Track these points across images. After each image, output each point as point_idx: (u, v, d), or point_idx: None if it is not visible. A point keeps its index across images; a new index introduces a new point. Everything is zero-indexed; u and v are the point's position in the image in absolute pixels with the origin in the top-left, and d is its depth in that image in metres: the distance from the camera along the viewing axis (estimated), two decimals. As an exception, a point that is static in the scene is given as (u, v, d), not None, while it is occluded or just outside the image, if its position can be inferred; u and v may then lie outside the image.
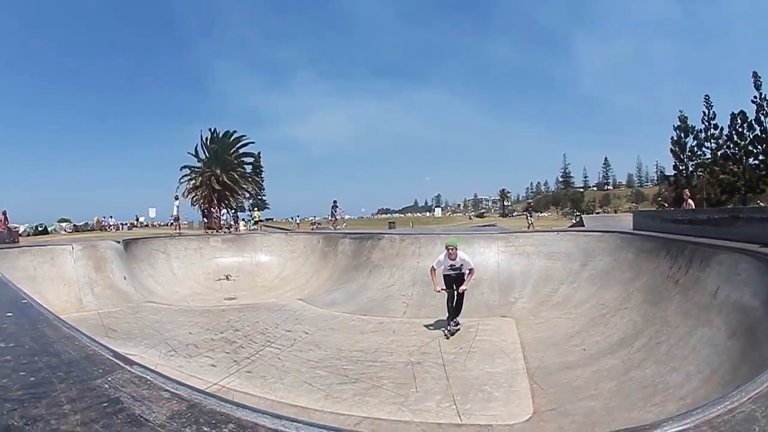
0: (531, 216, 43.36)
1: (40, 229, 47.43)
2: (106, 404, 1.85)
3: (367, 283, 13.74)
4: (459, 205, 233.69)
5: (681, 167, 61.89)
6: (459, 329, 9.34)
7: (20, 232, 28.14)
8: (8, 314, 3.74)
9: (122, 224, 60.23)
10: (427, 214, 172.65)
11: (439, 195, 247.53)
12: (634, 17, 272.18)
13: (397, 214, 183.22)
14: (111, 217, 59.24)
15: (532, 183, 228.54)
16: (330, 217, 33.32)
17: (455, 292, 9.61)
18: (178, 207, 28.05)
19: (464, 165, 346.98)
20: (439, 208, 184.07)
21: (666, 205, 34.13)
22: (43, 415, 1.71)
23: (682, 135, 61.73)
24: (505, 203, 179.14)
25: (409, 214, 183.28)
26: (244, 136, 53.03)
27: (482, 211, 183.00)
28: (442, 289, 9.63)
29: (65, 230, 48.68)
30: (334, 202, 31.39)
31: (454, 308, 9.59)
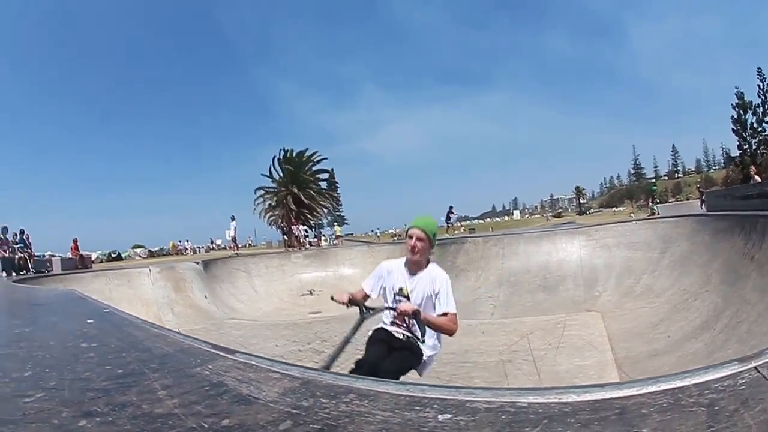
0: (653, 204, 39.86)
1: (113, 255, 48.43)
2: (208, 388, 1.84)
3: (453, 287, 13.69)
4: (536, 206, 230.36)
5: (745, 146, 58.46)
6: None
7: (93, 259, 28.88)
8: (89, 321, 3.85)
9: (199, 247, 61.93)
10: (506, 218, 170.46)
11: (515, 198, 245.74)
12: None
13: (476, 221, 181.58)
14: (187, 241, 60.99)
15: (605, 178, 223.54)
16: (445, 224, 32.97)
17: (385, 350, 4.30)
18: (235, 228, 28.81)
19: (537, 165, 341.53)
20: (517, 211, 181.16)
21: (703, 192, 32.51)
22: (133, 401, 1.72)
23: (741, 112, 58.24)
24: (581, 200, 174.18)
25: (488, 219, 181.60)
26: (317, 152, 53.76)
27: (559, 210, 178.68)
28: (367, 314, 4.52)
29: (140, 256, 49.59)
30: (450, 207, 31.09)
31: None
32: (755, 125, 57.64)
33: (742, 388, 1.48)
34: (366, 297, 4.57)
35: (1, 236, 18.32)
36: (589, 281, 11.76)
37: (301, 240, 35.27)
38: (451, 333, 4.35)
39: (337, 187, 79.96)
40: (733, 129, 59.40)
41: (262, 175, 52.24)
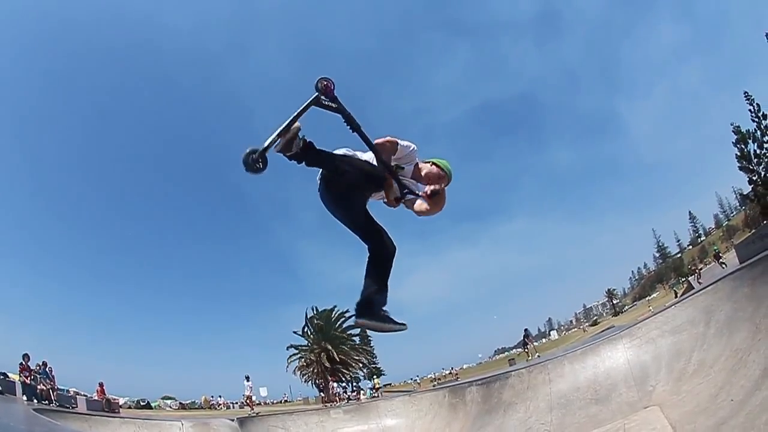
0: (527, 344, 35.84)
1: (142, 403, 47.22)
2: None
3: (503, 422, 13.25)
4: (571, 321, 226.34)
5: (755, 178, 57.39)
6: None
7: (120, 404, 28.76)
8: None
9: (233, 403, 59.86)
10: (544, 340, 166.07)
11: (549, 318, 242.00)
12: (655, 58, 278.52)
13: (514, 350, 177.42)
14: (220, 396, 59.34)
15: (632, 271, 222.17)
16: (524, 349, 33.40)
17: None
18: (250, 387, 28.74)
19: (565, 280, 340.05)
20: (554, 331, 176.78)
21: (720, 255, 31.83)
22: None
23: (743, 145, 57.96)
24: (614, 301, 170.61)
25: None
26: (347, 310, 54.86)
27: (595, 318, 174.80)
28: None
29: (170, 407, 48.55)
30: (526, 330, 31.47)
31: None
32: (757, 151, 56.83)
33: None
34: None
35: (23, 362, 18.19)
36: (641, 379, 11.00)
37: (340, 396, 34.94)
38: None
39: (370, 340, 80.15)
40: (739, 167, 58.41)
41: (293, 332, 53.34)
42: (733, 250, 20.80)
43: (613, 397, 11.12)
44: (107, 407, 20.82)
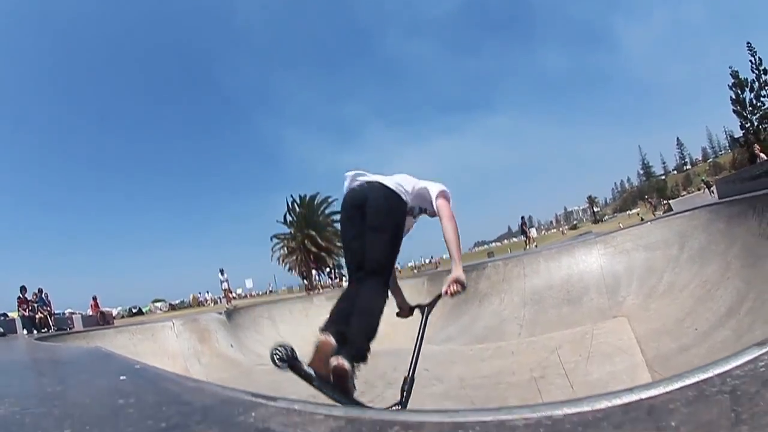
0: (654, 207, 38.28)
1: (134, 310, 48.85)
2: None
3: (479, 313, 13.84)
4: (551, 221, 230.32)
5: (747, 125, 58.10)
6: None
7: (114, 315, 29.51)
8: (122, 377, 3.75)
9: (219, 298, 61.37)
10: (522, 237, 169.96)
11: (530, 216, 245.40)
12: None
13: (493, 244, 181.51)
14: (207, 292, 60.88)
15: (615, 183, 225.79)
16: (524, 238, 31.66)
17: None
18: (226, 280, 27.60)
19: (548, 181, 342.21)
20: (534, 229, 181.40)
21: (709, 183, 32.05)
22: None
23: (739, 91, 58.17)
24: (595, 209, 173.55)
25: (506, 241, 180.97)
26: (330, 196, 54.89)
27: (574, 222, 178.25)
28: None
29: (161, 309, 49.88)
30: (522, 218, 30.15)
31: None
32: (754, 101, 57.35)
33: (762, 369, 1.53)
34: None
35: (21, 295, 18.56)
36: (612, 288, 11.70)
37: (322, 283, 35.19)
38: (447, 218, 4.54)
39: None
40: (733, 110, 59.34)
41: (277, 221, 53.17)
42: (714, 185, 21.17)
43: (585, 301, 11.83)
44: (102, 320, 21.14)
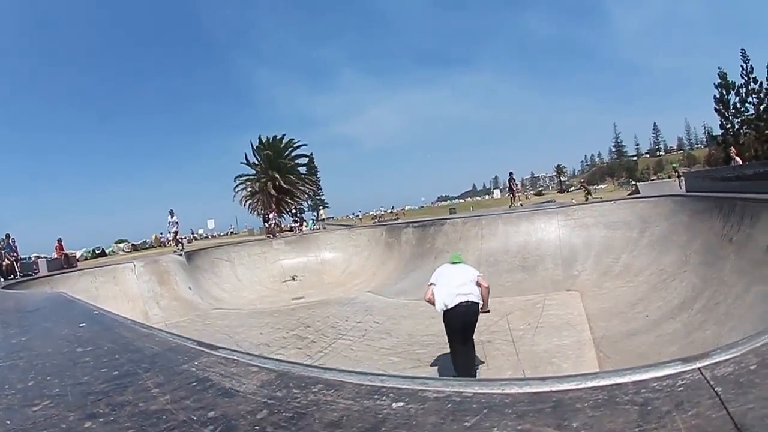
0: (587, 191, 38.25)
1: (97, 252, 48.07)
2: (195, 383, 2.03)
3: (433, 269, 13.48)
4: (517, 184, 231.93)
5: (727, 125, 59.19)
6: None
7: (77, 257, 28.48)
8: (81, 324, 3.98)
9: (182, 238, 60.12)
10: (487, 197, 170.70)
11: (496, 177, 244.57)
12: None
13: (456, 200, 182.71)
14: (169, 232, 60.00)
15: (586, 156, 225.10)
16: (510, 194, 30.83)
17: (464, 329, 6.32)
18: (176, 223, 24.29)
19: (518, 144, 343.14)
20: (498, 190, 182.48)
21: (679, 172, 32.42)
22: (130, 401, 1.89)
23: (724, 92, 58.78)
24: (562, 179, 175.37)
25: (469, 198, 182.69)
26: (294, 139, 53.51)
27: (540, 188, 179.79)
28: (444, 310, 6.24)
29: (123, 250, 48.49)
30: (510, 174, 29.46)
31: (462, 358, 6.35)
32: (738, 105, 58.30)
33: (680, 389, 1.47)
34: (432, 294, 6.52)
35: None
36: (568, 261, 11.81)
37: (282, 227, 34.79)
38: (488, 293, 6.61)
39: (317, 171, 79.79)
40: (715, 108, 59.71)
41: (241, 163, 52.03)
42: (683, 178, 21.33)
43: (540, 270, 11.95)
44: (66, 263, 20.41)
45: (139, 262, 15.21)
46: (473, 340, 6.50)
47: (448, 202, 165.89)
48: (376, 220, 46.91)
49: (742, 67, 58.61)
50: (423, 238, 15.98)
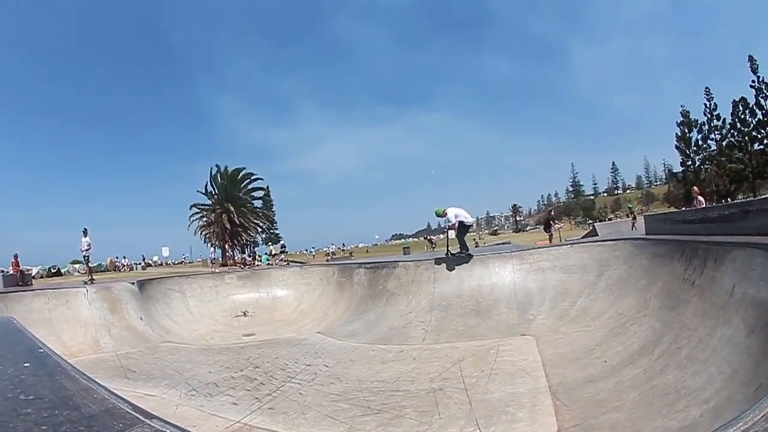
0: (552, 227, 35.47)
1: (53, 270, 47.77)
2: None
3: (385, 311, 13.63)
4: (471, 224, 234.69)
5: (688, 162, 61.64)
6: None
7: (33, 275, 28.02)
8: (26, 364, 3.71)
9: (136, 264, 60.55)
10: (441, 236, 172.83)
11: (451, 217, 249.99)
12: (625, 17, 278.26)
13: (411, 239, 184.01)
14: (124, 257, 59.35)
15: (542, 195, 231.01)
16: (546, 232, 27.83)
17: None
18: (88, 244, 20.91)
19: (474, 183, 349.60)
20: (453, 231, 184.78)
21: (634, 213, 33.12)
22: None
23: (686, 130, 61.62)
24: (518, 218, 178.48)
25: (423, 237, 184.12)
26: (252, 173, 54.27)
27: (495, 228, 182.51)
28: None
29: (79, 271, 48.62)
30: (550, 212, 27.69)
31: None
32: (700, 142, 60.58)
33: None
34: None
35: None
36: (523, 305, 11.64)
37: (235, 260, 34.29)
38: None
39: (273, 205, 79.78)
40: (676, 146, 62.38)
41: (197, 191, 51.80)
42: (642, 218, 21.60)
43: (494, 314, 11.69)
44: (21, 280, 19.83)
45: (92, 288, 14.93)
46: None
47: (402, 240, 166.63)
48: (329, 257, 46.67)
49: (705, 104, 61.70)
50: (375, 279, 15.69)
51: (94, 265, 52.96)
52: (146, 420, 2.41)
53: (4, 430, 2.13)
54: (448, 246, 14.98)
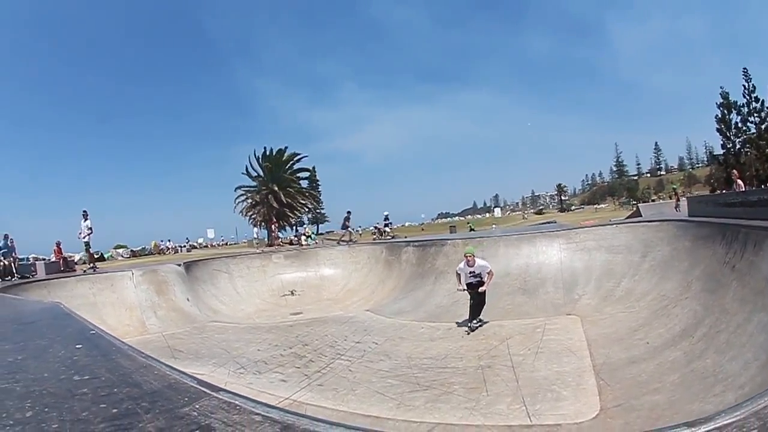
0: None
1: (96, 256, 48.06)
2: (198, 431, 1.90)
3: (433, 289, 13.84)
4: (517, 203, 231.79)
5: (728, 145, 59.33)
6: (481, 326, 10.49)
7: (76, 261, 28.10)
8: (78, 346, 3.73)
9: (180, 246, 60.45)
10: (487, 215, 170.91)
11: (497, 195, 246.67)
12: None
13: (457, 217, 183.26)
14: (169, 240, 59.92)
15: (587, 175, 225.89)
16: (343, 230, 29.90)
17: (477, 293, 10.66)
18: (89, 228, 19.60)
19: (519, 162, 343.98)
20: (498, 208, 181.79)
21: (678, 194, 31.87)
22: None
23: (726, 112, 59.04)
24: (563, 198, 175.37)
25: (469, 216, 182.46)
26: (297, 153, 54.08)
27: (540, 207, 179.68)
28: (464, 290, 10.80)
29: (122, 256, 48.06)
30: (347, 213, 28.92)
31: (476, 308, 10.74)
32: (739, 124, 58.43)
33: None
34: (458, 275, 10.91)
35: None
36: (569, 284, 11.77)
37: (281, 240, 34.44)
38: (491, 277, 10.71)
39: (318, 185, 79.85)
40: (717, 128, 60.09)
41: (242, 173, 52.07)
42: (684, 200, 21.26)
43: (540, 294, 11.88)
44: (65, 267, 20.04)
45: (138, 271, 15.16)
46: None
47: (448, 219, 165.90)
48: (375, 237, 46.84)
49: (744, 86, 58.98)
50: (423, 258, 15.91)
51: (138, 249, 54.12)
52: (213, 393, 2.44)
53: (60, 411, 2.15)
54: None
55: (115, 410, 2.13)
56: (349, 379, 7.74)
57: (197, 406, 2.20)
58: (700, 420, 1.87)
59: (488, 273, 10.59)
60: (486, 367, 7.75)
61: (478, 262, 10.64)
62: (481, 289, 10.54)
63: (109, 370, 2.96)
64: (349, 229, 28.78)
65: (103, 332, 4.46)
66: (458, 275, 10.87)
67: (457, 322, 11.01)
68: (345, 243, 24.48)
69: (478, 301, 10.67)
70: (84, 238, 19.61)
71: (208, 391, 2.46)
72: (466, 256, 10.61)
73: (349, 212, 28.77)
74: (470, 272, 10.61)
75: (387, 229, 33.18)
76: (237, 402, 2.28)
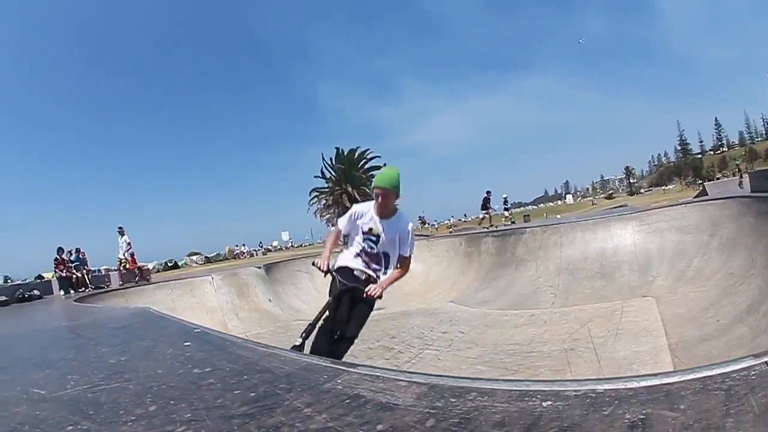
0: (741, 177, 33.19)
1: (170, 264, 48.97)
2: (348, 400, 1.96)
3: (515, 278, 14.16)
4: (587, 188, 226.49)
5: None
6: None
7: (150, 269, 28.29)
8: (186, 343, 3.74)
9: (255, 250, 61.43)
10: (559, 202, 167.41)
11: (567, 181, 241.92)
12: None
13: (529, 206, 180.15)
14: (243, 245, 60.91)
15: (653, 156, 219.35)
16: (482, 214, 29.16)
17: (353, 297, 5.07)
18: (128, 243, 20.14)
19: (586, 146, 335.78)
20: (570, 195, 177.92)
21: (741, 171, 30.82)
22: (284, 422, 1.80)
23: None
24: (631, 180, 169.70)
25: (541, 204, 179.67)
26: (368, 150, 54.82)
27: (610, 191, 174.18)
28: (326, 273, 5.21)
29: (196, 263, 49.12)
30: (487, 193, 27.47)
31: (329, 335, 5.16)
32: None
33: (753, 377, 1.88)
34: (339, 234, 5.37)
35: (58, 257, 18.68)
36: (644, 266, 11.99)
37: None
38: (402, 276, 5.24)
39: None
40: None
41: (315, 177, 53.18)
42: (747, 176, 21.00)
43: (617, 277, 12.20)
44: (141, 276, 20.36)
45: (217, 275, 15.68)
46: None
47: (522, 208, 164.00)
48: (451, 230, 46.76)
49: None
50: (503, 247, 16.25)
51: (212, 255, 54.71)
52: (351, 369, 2.55)
53: (189, 402, 2.18)
54: None
55: (252, 394, 2.18)
56: (439, 367, 8.03)
57: (339, 381, 2.28)
58: (764, 352, 2.21)
59: (407, 254, 5.18)
60: (569, 350, 8.13)
61: (400, 217, 4.98)
62: (372, 290, 4.85)
63: (231, 361, 3.00)
64: (490, 212, 27.83)
65: (209, 329, 4.58)
66: (335, 234, 5.54)
67: (538, 309, 11.37)
68: (486, 229, 23.97)
69: (344, 317, 5.08)
70: (125, 255, 20.28)
71: (345, 369, 2.56)
72: (378, 191, 4.76)
73: (488, 192, 27.59)
74: (370, 231, 5.00)
75: (507, 213, 32.46)
76: (378, 373, 2.41)
